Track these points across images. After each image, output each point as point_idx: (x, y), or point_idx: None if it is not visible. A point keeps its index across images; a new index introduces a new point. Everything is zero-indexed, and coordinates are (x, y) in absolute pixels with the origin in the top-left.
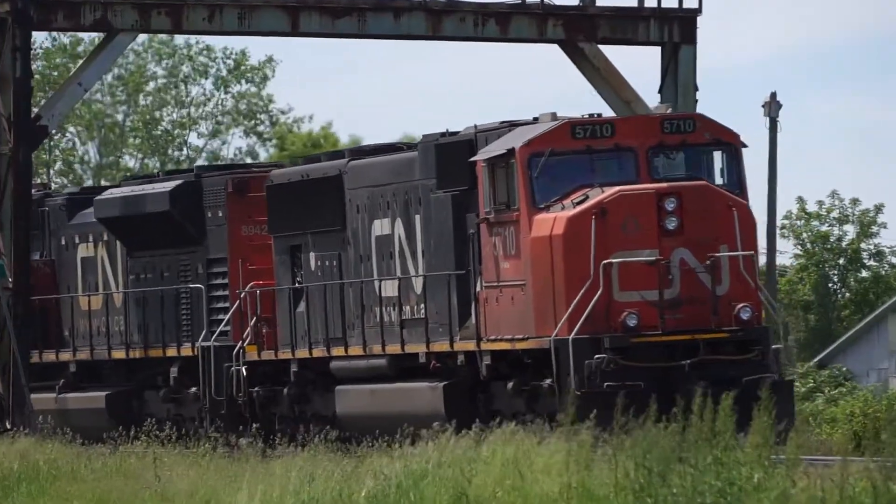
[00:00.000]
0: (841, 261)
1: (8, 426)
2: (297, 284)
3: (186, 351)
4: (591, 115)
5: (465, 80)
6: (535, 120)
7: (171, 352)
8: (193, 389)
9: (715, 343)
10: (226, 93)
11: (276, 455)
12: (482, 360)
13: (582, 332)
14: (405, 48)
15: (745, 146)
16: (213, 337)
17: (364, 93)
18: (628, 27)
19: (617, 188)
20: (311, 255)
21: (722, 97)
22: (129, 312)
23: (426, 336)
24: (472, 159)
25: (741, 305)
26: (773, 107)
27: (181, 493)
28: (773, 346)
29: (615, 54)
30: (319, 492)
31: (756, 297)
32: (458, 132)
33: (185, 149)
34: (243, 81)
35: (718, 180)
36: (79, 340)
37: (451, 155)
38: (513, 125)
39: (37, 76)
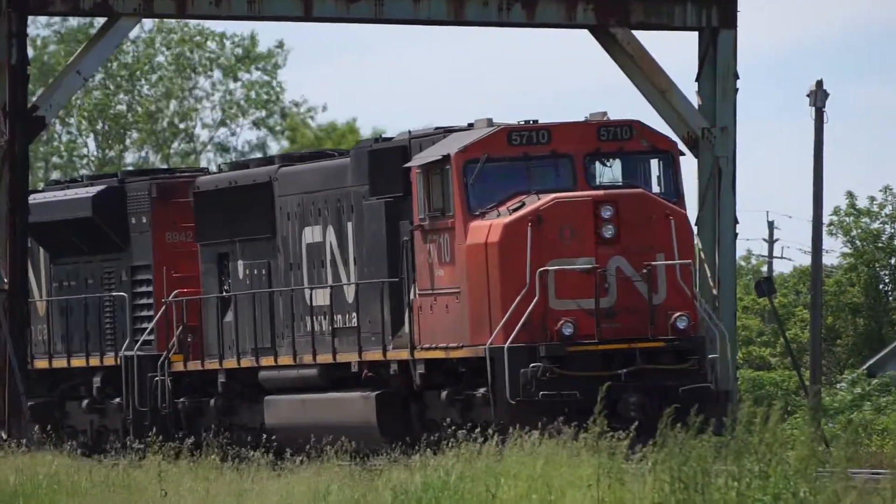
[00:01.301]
0: (893, 261)
1: (3, 436)
2: (224, 293)
3: (109, 360)
4: (527, 122)
5: (490, 67)
6: (471, 126)
7: (94, 361)
8: (117, 400)
9: (651, 352)
10: (235, 80)
11: (287, 468)
12: (416, 370)
13: (518, 341)
14: (426, 34)
15: (682, 154)
16: (137, 346)
17: (382, 81)
18: (663, 11)
19: (553, 195)
20: (240, 263)
21: (764, 85)
22: (53, 321)
23: (358, 345)
24: (407, 165)
25: (678, 314)
26: (819, 96)
27: None
28: (710, 356)
29: (650, 40)
30: None
31: (693, 305)
32: (391, 138)
33: (192, 141)
34: (253, 69)
35: (655, 188)
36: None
37: (384, 161)
38: (448, 131)
39: (43, 61)
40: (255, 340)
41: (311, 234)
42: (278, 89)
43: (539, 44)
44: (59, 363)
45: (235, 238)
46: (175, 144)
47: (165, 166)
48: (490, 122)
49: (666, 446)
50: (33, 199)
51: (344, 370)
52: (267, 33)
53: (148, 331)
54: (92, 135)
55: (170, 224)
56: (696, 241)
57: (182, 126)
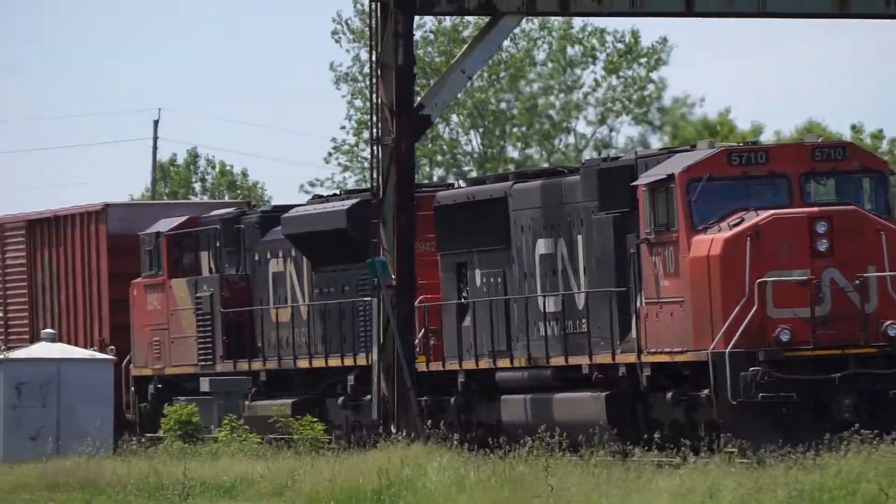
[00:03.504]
0: None
1: (392, 430)
2: (462, 300)
3: (362, 360)
4: (746, 144)
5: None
6: (693, 147)
7: (349, 361)
8: (368, 397)
9: (863, 357)
10: (617, 78)
11: (674, 465)
12: (643, 372)
13: (738, 346)
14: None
15: (893, 173)
16: None
17: (765, 75)
18: None
19: (771, 212)
20: (477, 271)
21: None
22: (314, 324)
23: (588, 349)
24: (634, 184)
25: (888, 322)
26: None
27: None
28: None
29: None
30: None
31: None
32: (618, 158)
33: (572, 136)
34: (635, 66)
35: (867, 205)
36: (269, 351)
37: (612, 179)
38: (672, 152)
39: (425, 61)
40: (492, 343)
41: (544, 246)
42: (660, 86)
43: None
44: (318, 363)
45: (473, 249)
46: (557, 141)
47: (546, 164)
48: (711, 144)
49: None
50: (296, 211)
51: (574, 372)
52: (647, 29)
53: None
54: (473, 132)
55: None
56: None
57: (564, 123)
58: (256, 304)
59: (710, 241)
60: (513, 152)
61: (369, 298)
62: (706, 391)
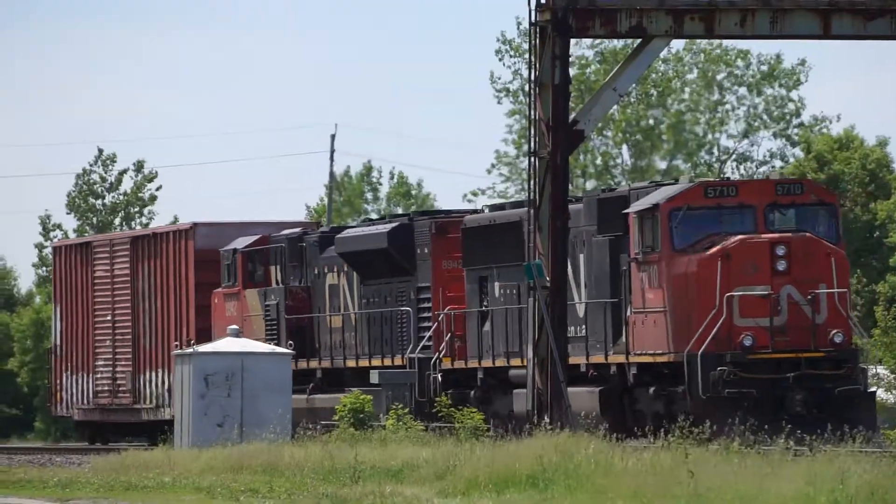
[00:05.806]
0: None
1: (546, 420)
2: (483, 308)
3: (398, 361)
4: (721, 179)
5: None
6: (677, 181)
7: (388, 361)
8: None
9: (814, 360)
10: (758, 96)
11: (806, 453)
12: (630, 371)
13: (709, 349)
14: None
15: (843, 206)
16: (418, 350)
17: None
18: None
19: (739, 237)
20: (496, 284)
21: None
22: (361, 329)
23: (586, 350)
24: (625, 211)
25: (835, 331)
26: None
27: (713, 490)
28: (860, 365)
29: None
30: (853, 491)
31: (847, 325)
32: (615, 188)
33: (715, 150)
34: (776, 86)
35: (820, 233)
36: (324, 352)
37: (609, 208)
38: (658, 185)
39: (581, 80)
40: (507, 345)
41: None
42: (799, 104)
43: None
44: (364, 363)
45: (493, 265)
46: (702, 155)
47: (692, 174)
48: (692, 179)
49: None
50: (347, 233)
51: (574, 370)
52: (789, 50)
53: (427, 338)
54: (625, 146)
55: (445, 254)
56: None
57: (708, 138)
58: (315, 312)
59: (687, 261)
60: (661, 164)
61: (404, 308)
62: (682, 387)
